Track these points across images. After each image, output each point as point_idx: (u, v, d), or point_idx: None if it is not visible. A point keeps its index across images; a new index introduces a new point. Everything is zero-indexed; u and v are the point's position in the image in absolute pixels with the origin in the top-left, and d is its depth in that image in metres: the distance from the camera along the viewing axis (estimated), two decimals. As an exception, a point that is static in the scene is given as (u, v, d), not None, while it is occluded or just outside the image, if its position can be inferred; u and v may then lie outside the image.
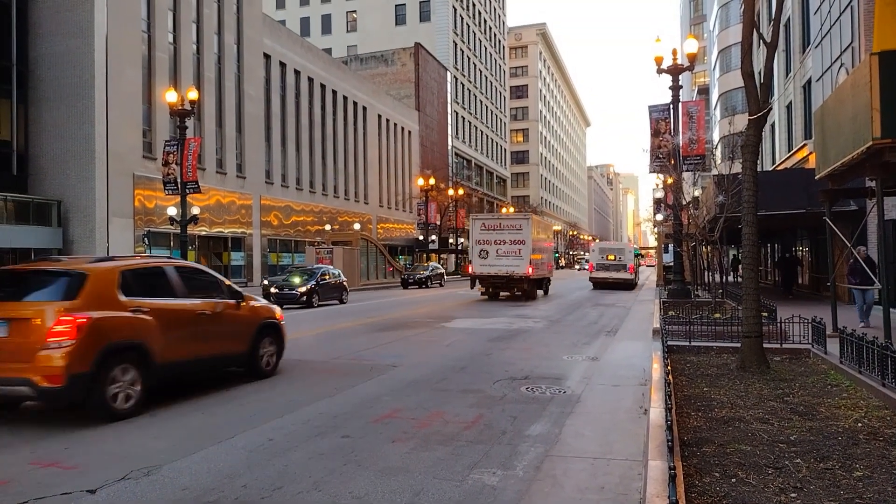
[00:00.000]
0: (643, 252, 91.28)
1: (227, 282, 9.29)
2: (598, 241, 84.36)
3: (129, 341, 7.18)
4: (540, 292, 28.99)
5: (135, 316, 7.31)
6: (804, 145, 24.40)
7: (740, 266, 31.96)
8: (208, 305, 8.48)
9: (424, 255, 58.75)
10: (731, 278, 30.06)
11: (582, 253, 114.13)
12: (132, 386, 7.17)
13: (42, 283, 7.26)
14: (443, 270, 44.87)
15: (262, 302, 10.04)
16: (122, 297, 7.28)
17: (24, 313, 6.80)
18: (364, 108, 55.27)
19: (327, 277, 25.73)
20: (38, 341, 6.59)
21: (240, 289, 9.43)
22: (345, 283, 26.89)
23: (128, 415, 7.05)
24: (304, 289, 23.72)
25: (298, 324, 17.25)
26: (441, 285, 41.78)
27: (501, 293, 27.32)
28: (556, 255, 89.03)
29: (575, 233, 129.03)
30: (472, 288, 28.32)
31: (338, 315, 20.65)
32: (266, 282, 27.37)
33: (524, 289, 26.22)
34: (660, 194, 45.13)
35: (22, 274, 7.61)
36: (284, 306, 21.11)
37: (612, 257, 36.80)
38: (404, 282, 40.13)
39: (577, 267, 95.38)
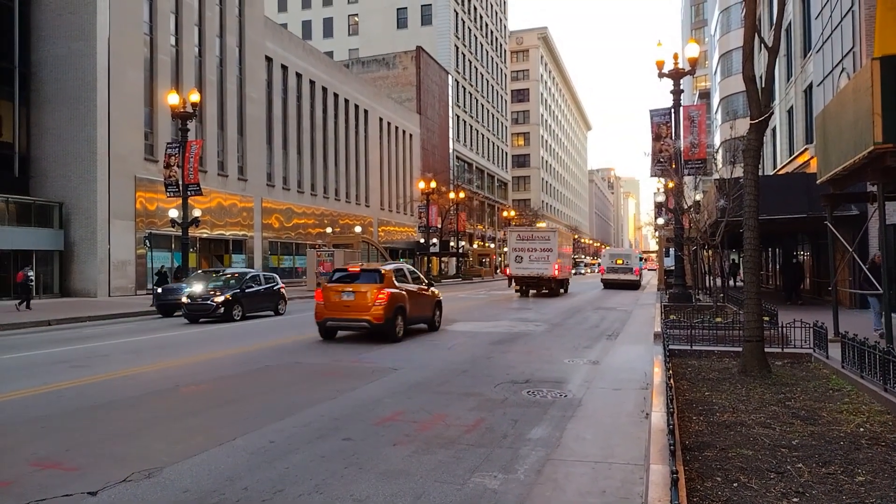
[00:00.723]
0: (645, 256, 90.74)
1: (423, 277, 16.82)
2: (607, 247, 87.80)
3: (401, 304, 14.11)
4: (562, 290, 34.08)
5: (400, 292, 14.19)
6: (805, 150, 24.41)
7: (740, 271, 31.97)
8: (419, 288, 15.56)
9: (425, 259, 58.76)
10: (730, 283, 30.01)
11: (582, 256, 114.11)
12: (401, 326, 14.13)
13: (364, 275, 14.28)
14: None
15: (435, 288, 16.89)
16: (396, 283, 14.24)
17: (361, 289, 13.79)
18: (365, 111, 55.37)
19: (256, 284, 21.00)
20: (371, 302, 13.57)
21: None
22: (282, 291, 22.19)
23: (400, 339, 13.92)
24: (221, 298, 18.97)
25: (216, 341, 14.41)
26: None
27: (531, 290, 32.92)
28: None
29: (576, 236, 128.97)
30: (509, 286, 35.03)
31: (267, 331, 16.62)
32: (160, 290, 22.01)
33: (551, 287, 32.04)
34: (661, 198, 45.26)
35: (353, 271, 14.68)
36: (200, 320, 18.81)
37: (620, 262, 43.20)
38: None
39: (573, 271, 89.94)
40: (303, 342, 13.94)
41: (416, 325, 15.65)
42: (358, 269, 14.70)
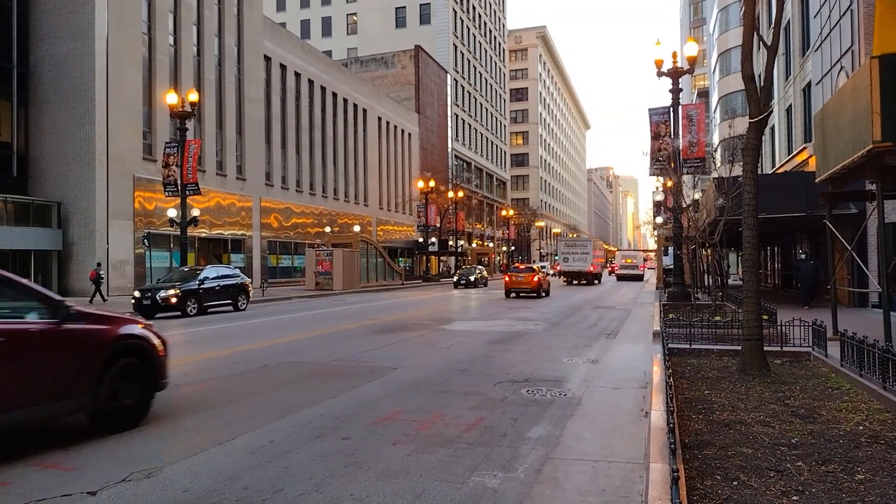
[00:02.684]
0: (645, 256, 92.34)
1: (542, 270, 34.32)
2: (619, 249, 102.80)
3: (542, 282, 30.94)
4: (596, 281, 47.41)
5: (540, 275, 31.22)
6: (804, 148, 24.42)
7: (730, 269, 31.46)
8: (544, 276, 32.45)
9: (424, 258, 58.75)
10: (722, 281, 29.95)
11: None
12: (544, 292, 31.61)
13: (526, 269, 31.97)
14: (245, 280, 24.21)
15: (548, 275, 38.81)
16: (538, 272, 31.45)
17: (526, 275, 31.05)
18: (364, 111, 55.34)
19: None
20: (532, 280, 30.57)
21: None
22: None
23: (542, 298, 30.16)
24: None
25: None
26: (239, 308, 23.29)
27: (574, 281, 47.44)
28: (556, 258, 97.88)
29: (575, 235, 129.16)
30: (559, 278, 50.92)
31: None
32: None
33: (588, 278, 46.65)
34: (660, 197, 45.43)
35: (522, 267, 32.55)
36: None
37: (629, 261, 58.04)
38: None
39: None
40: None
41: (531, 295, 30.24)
42: (524, 267, 32.23)
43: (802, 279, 20.43)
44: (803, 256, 21.36)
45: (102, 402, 6.34)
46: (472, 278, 42.53)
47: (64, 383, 6.03)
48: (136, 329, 6.92)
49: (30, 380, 5.75)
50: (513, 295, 30.80)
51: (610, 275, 69.46)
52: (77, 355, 6.16)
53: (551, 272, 60.92)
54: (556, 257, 60.06)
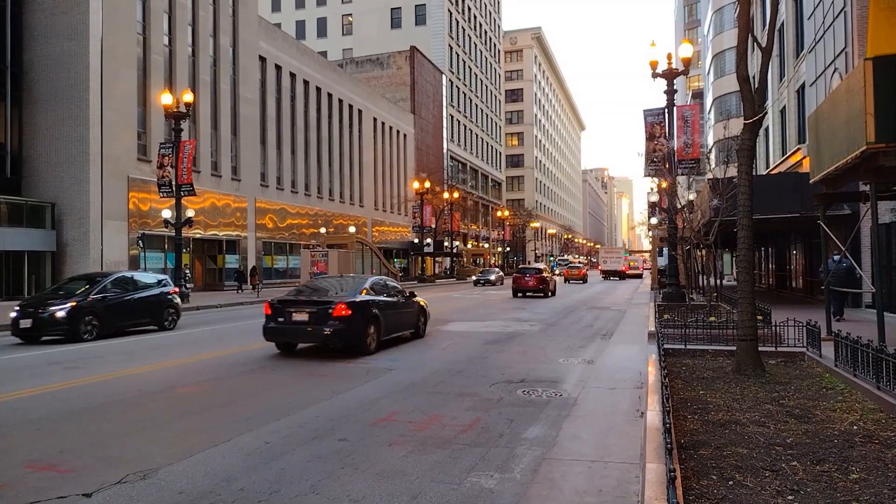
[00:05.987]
0: (641, 258, 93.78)
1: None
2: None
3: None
4: (625, 277, 61.43)
5: (585, 271, 55.30)
6: (798, 149, 24.53)
7: (714, 271, 31.16)
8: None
9: (419, 259, 58.73)
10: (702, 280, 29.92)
11: (576, 256, 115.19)
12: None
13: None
14: None
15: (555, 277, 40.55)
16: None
17: (577, 270, 54.49)
18: (359, 111, 55.30)
19: None
20: (581, 273, 53.16)
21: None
22: None
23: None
24: None
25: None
26: None
27: (610, 277, 61.04)
28: (551, 258, 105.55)
29: (570, 236, 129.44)
30: (601, 276, 64.21)
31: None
32: None
33: (620, 275, 60.98)
34: (654, 198, 45.54)
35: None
36: None
37: (633, 263, 70.13)
38: None
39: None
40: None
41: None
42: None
43: (835, 285, 15.58)
44: (836, 257, 17.17)
45: None
46: (491, 278, 47.49)
47: None
48: None
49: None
50: (569, 282, 48.84)
51: None
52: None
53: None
54: (596, 260, 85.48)
